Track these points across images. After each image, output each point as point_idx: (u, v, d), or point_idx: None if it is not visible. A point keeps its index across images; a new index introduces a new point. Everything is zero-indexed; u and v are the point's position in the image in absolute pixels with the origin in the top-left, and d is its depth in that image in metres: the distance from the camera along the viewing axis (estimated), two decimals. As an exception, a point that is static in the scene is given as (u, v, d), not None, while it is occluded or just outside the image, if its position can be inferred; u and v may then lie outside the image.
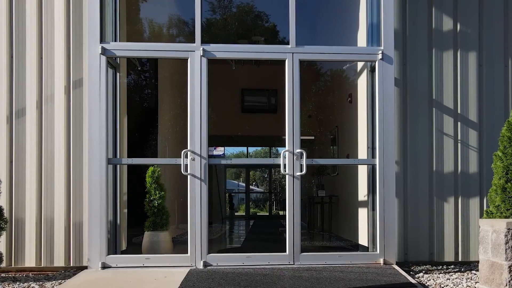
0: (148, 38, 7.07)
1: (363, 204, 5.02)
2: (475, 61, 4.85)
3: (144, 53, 4.10)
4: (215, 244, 6.89)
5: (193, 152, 4.02)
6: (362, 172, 5.31)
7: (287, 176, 4.09)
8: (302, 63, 4.09)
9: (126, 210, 4.81)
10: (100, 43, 3.98)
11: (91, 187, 4.05)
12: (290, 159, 4.08)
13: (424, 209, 4.76)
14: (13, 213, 4.43)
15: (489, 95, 4.84)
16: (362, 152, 5.13)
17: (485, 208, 4.72)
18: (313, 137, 9.88)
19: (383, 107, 4.25)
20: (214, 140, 12.95)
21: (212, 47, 4.05)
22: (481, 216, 4.67)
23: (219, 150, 4.05)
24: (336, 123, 7.61)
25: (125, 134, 4.61)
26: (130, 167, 4.82)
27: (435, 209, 4.76)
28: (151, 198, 4.27)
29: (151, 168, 4.37)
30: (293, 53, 4.09)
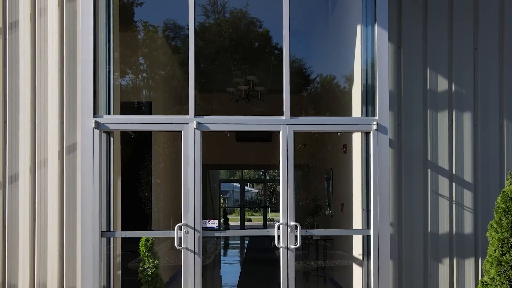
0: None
1: (358, 261, 5.01)
2: (470, 121, 4.85)
3: (138, 126, 4.08)
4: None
5: (187, 225, 4.01)
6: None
7: (281, 248, 4.08)
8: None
9: (120, 275, 4.79)
10: (94, 116, 3.96)
11: (84, 259, 4.03)
12: (284, 232, 4.07)
13: (419, 271, 4.75)
14: (5, 279, 4.41)
15: (484, 155, 4.83)
16: (357, 212, 5.12)
17: (480, 269, 4.72)
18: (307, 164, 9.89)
19: (378, 175, 4.24)
20: (208, 168, 12.98)
21: (206, 119, 4.03)
22: (476, 283, 4.67)
23: (213, 223, 4.03)
24: (331, 165, 7.60)
25: (118, 204, 4.60)
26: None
27: (430, 270, 4.75)
28: (145, 267, 4.25)
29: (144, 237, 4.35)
30: (287, 124, 4.08)
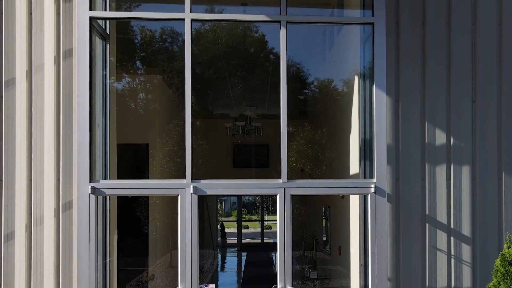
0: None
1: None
2: (469, 174, 4.83)
3: (134, 191, 4.06)
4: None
5: (183, 290, 3.99)
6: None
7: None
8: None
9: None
10: (90, 182, 3.94)
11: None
12: (281, 298, 4.05)
13: (417, 326, 4.73)
14: None
15: (482, 209, 4.81)
16: (354, 259, 5.10)
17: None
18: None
19: (376, 235, 4.22)
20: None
21: (203, 184, 4.01)
22: None
23: (210, 287, 4.01)
24: (328, 202, 7.58)
25: (115, 270, 4.58)
26: None
27: (428, 325, 4.73)
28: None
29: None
30: (284, 188, 4.06)
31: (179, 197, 4.01)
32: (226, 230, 18.85)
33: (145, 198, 9.31)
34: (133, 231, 9.36)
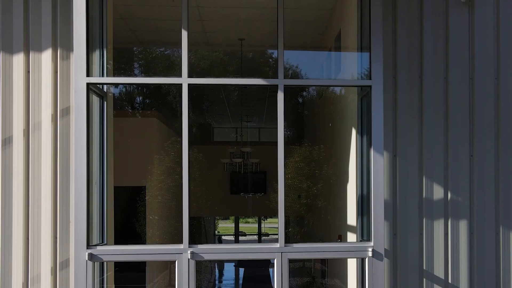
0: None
1: None
2: (466, 229, 4.82)
3: (132, 257, 4.06)
4: None
5: None
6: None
7: None
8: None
9: None
10: (87, 248, 3.94)
11: None
12: None
13: None
14: None
15: (480, 263, 4.81)
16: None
17: None
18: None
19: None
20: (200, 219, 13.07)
21: (200, 249, 4.01)
22: None
23: None
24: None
25: None
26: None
27: None
28: None
29: None
30: (281, 252, 4.05)
31: (176, 263, 4.00)
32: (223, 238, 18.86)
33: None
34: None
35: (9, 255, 4.44)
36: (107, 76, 4.29)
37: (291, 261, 4.09)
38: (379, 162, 4.24)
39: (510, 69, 4.90)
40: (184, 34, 3.97)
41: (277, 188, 4.14)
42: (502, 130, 4.86)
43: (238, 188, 10.26)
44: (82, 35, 3.91)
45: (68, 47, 4.46)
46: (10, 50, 4.46)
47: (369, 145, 4.37)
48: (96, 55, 4.22)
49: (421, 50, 4.81)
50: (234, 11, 5.61)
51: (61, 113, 4.48)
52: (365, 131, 4.76)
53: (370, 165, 4.39)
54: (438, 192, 4.81)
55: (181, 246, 4.01)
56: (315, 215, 8.71)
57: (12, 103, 4.47)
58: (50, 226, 4.45)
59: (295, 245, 4.07)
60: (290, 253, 4.05)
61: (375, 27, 4.13)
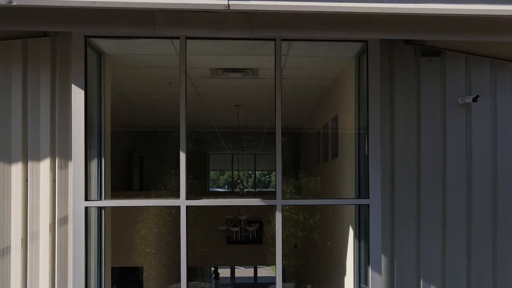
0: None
1: None
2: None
3: None
4: None
5: None
6: None
7: None
8: None
9: None
10: None
11: None
12: None
13: None
14: None
15: None
16: None
17: None
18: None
19: None
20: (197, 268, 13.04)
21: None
22: None
23: None
24: None
25: None
26: None
27: None
28: None
29: None
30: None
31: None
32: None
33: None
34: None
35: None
36: (105, 199, 4.30)
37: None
38: (377, 280, 4.25)
39: (508, 170, 4.91)
40: (182, 156, 3.98)
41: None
42: (499, 231, 4.87)
43: (234, 239, 10.25)
44: (81, 160, 3.93)
45: (66, 156, 4.47)
46: (8, 160, 4.46)
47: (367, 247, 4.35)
48: (94, 176, 4.24)
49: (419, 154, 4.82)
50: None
51: (59, 222, 4.48)
52: (362, 238, 4.76)
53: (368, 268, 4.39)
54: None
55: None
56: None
57: (10, 212, 4.47)
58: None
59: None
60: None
61: (373, 147, 4.14)
